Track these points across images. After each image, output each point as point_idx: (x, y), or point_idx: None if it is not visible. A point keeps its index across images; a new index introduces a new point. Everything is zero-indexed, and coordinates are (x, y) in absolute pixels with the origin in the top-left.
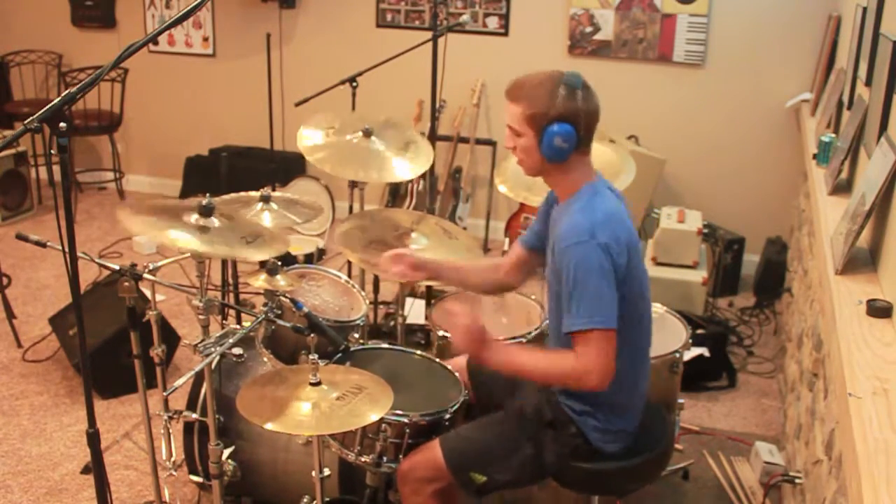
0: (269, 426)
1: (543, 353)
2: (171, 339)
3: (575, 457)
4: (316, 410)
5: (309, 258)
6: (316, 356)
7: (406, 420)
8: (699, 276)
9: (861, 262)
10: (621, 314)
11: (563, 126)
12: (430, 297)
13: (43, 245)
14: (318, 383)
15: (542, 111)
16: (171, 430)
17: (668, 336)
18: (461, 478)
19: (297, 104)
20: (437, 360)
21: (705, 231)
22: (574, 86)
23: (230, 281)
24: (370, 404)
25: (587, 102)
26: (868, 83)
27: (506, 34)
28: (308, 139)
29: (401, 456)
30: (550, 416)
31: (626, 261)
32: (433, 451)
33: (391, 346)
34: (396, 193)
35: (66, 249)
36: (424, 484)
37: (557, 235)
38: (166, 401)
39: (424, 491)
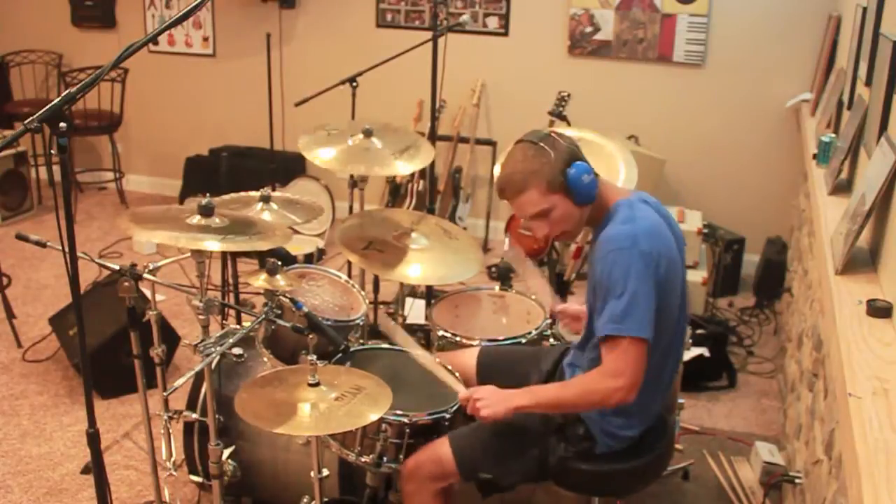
0: (267, 427)
1: (567, 380)
2: (171, 339)
3: (578, 458)
4: (314, 411)
5: (309, 258)
6: (314, 357)
7: (406, 420)
8: (699, 276)
9: (861, 262)
10: (657, 327)
11: (576, 166)
12: (430, 296)
13: (43, 245)
14: (316, 384)
15: (551, 171)
16: (171, 430)
17: None
18: (468, 476)
19: (297, 104)
20: (438, 359)
21: (705, 231)
22: (541, 136)
23: (230, 281)
24: (369, 405)
25: (564, 138)
26: (868, 83)
27: (506, 34)
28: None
29: (401, 456)
30: (561, 418)
31: (665, 275)
32: (442, 448)
33: (391, 346)
34: (396, 193)
35: (66, 249)
36: (429, 482)
37: (597, 248)
38: (166, 401)
39: (428, 490)
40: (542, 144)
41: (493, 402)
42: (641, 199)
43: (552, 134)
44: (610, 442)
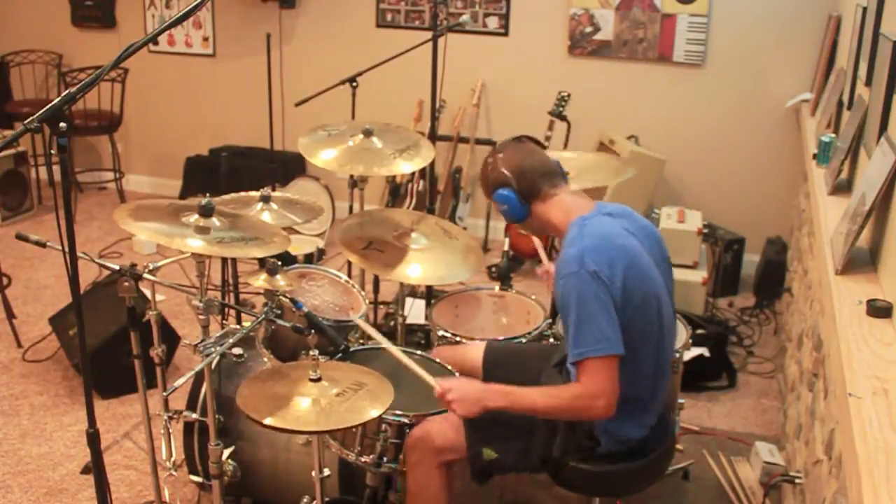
0: (268, 421)
1: (548, 387)
2: (171, 339)
3: (578, 456)
4: (316, 407)
5: (309, 258)
6: (317, 352)
7: (406, 420)
8: (699, 276)
9: (861, 262)
10: (627, 334)
11: (497, 193)
12: (430, 296)
13: (43, 245)
14: (318, 379)
15: (485, 189)
16: (171, 430)
17: None
18: (473, 451)
19: (297, 104)
20: (437, 359)
21: (705, 231)
22: (499, 150)
23: (230, 281)
24: (370, 401)
25: (509, 160)
26: (868, 83)
27: (506, 34)
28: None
29: (401, 456)
30: None
31: (624, 286)
32: (453, 420)
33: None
34: (396, 193)
35: (66, 249)
36: (434, 454)
37: (555, 271)
38: (166, 401)
39: (432, 461)
40: (490, 161)
41: (468, 402)
42: (603, 211)
43: (508, 145)
44: (613, 444)
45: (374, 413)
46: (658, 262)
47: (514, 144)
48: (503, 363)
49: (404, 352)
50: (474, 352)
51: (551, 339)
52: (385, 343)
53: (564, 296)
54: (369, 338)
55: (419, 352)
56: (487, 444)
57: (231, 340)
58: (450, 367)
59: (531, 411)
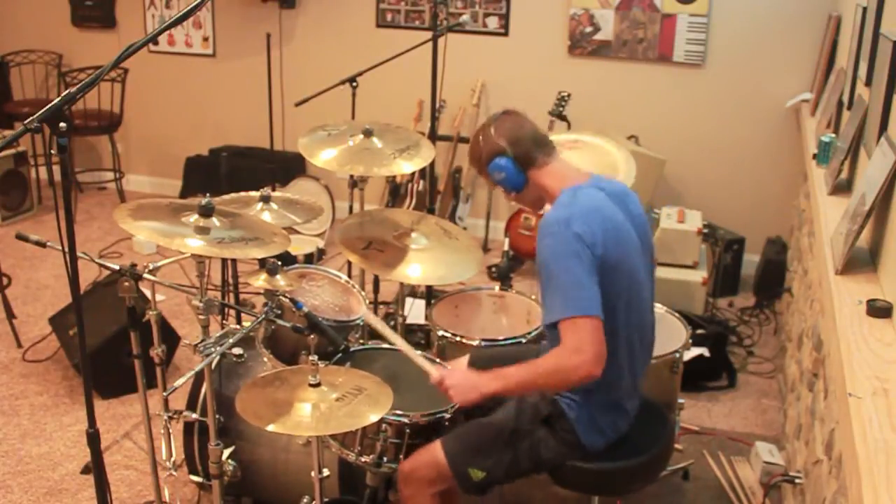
0: (268, 427)
1: (534, 360)
2: (171, 339)
3: (572, 454)
4: (315, 411)
5: (309, 258)
6: (315, 357)
7: (406, 420)
8: (699, 276)
9: (861, 262)
10: (606, 308)
11: (492, 162)
12: (430, 296)
13: (43, 245)
14: (317, 384)
15: (477, 161)
16: (171, 430)
17: (668, 336)
18: (461, 474)
19: (297, 104)
20: (438, 359)
21: (705, 231)
22: (488, 122)
23: (230, 281)
24: (370, 405)
25: (501, 129)
26: (868, 83)
27: (506, 34)
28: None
29: (401, 456)
30: (546, 411)
31: (603, 255)
32: (435, 451)
33: (391, 347)
34: (396, 193)
35: (66, 249)
36: (426, 485)
37: (537, 234)
38: (166, 401)
39: (426, 493)
40: (481, 134)
41: (464, 388)
42: (596, 184)
43: (499, 117)
44: (594, 436)
45: (373, 417)
46: (646, 247)
47: (504, 116)
48: (487, 367)
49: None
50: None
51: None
52: (386, 331)
53: (545, 255)
54: (370, 338)
55: (419, 351)
56: (472, 464)
57: (231, 340)
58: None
59: (525, 385)
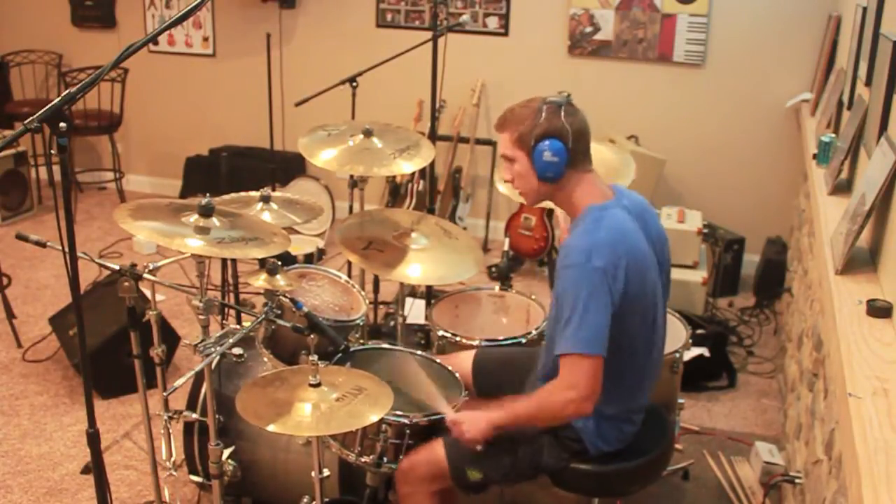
0: (269, 427)
1: (532, 393)
2: (171, 339)
3: (574, 459)
4: (316, 411)
5: (309, 258)
6: (315, 357)
7: (406, 420)
8: (699, 276)
9: (861, 262)
10: (619, 338)
11: (550, 141)
12: (430, 296)
13: (43, 245)
14: (317, 384)
15: (528, 130)
16: (171, 430)
17: (669, 336)
18: (457, 473)
19: (297, 104)
20: (438, 360)
21: (705, 231)
22: (557, 104)
23: (230, 281)
24: (370, 405)
25: (572, 118)
26: (868, 83)
27: (506, 34)
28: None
29: (401, 457)
30: None
31: (625, 287)
32: (435, 450)
33: (391, 347)
34: (396, 193)
35: (66, 249)
36: (424, 484)
37: (558, 258)
38: (166, 401)
39: (423, 491)
40: (546, 105)
41: (475, 419)
42: (619, 202)
43: (568, 104)
44: (599, 443)
45: (373, 418)
46: (663, 266)
47: (573, 107)
48: (492, 371)
49: (425, 358)
50: (464, 363)
51: None
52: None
53: (563, 286)
54: (370, 338)
55: (419, 352)
56: (470, 464)
57: (231, 340)
58: (450, 368)
59: (525, 418)
